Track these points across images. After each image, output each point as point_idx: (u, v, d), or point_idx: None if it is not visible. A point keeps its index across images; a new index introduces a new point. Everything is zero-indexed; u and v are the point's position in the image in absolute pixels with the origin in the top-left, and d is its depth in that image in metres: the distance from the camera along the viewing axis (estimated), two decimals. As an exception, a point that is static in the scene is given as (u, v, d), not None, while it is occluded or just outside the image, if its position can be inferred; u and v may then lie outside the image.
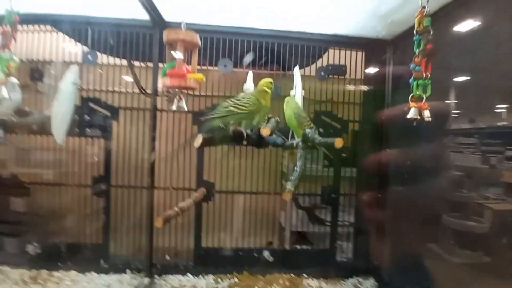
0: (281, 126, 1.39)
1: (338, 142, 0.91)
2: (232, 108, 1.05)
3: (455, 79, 1.42)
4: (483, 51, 1.29)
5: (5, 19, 0.89)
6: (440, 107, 1.26)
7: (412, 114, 1.06)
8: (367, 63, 1.81)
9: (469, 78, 1.38)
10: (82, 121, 1.61)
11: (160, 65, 1.51)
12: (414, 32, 1.11)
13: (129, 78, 1.67)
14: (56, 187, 1.64)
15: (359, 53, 1.78)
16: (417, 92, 1.06)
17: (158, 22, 1.52)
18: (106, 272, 1.63)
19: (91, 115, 1.62)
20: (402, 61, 1.65)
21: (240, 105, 1.06)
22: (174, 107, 1.00)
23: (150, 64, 1.59)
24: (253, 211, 1.76)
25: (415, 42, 1.11)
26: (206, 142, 0.89)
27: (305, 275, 1.72)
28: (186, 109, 1.01)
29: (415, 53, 1.09)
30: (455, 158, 1.48)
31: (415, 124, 1.08)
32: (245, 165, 1.71)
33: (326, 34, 1.71)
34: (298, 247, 1.89)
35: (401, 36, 1.65)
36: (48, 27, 1.62)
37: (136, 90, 1.66)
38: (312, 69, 1.76)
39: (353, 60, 1.77)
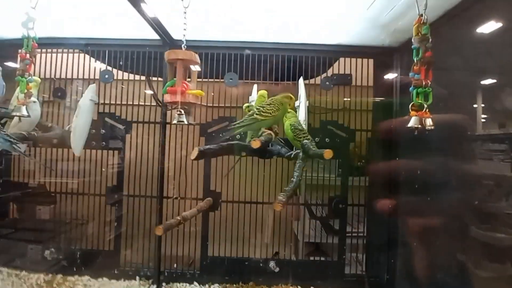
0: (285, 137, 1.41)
1: (327, 154, 0.92)
2: (257, 116, 1.07)
3: (482, 82, 1.37)
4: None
5: (24, 46, 1.00)
6: (452, 116, 1.22)
7: (413, 122, 1.04)
8: (376, 71, 1.80)
9: (498, 80, 1.33)
10: (98, 134, 1.72)
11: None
12: (412, 40, 1.11)
13: (145, 92, 1.78)
14: (74, 196, 1.75)
15: (367, 62, 1.77)
16: (418, 101, 1.05)
17: (167, 41, 1.62)
18: (117, 278, 1.69)
19: (107, 129, 1.73)
20: (409, 67, 1.63)
21: (264, 112, 1.08)
22: (174, 121, 1.06)
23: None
24: (259, 221, 1.76)
25: (414, 51, 1.10)
26: (202, 155, 0.93)
27: (312, 287, 1.69)
28: (186, 122, 1.06)
29: (414, 61, 1.09)
30: (483, 166, 1.42)
31: (416, 133, 1.06)
32: (254, 174, 1.72)
33: (331, 45, 1.73)
34: (306, 258, 1.86)
35: (407, 43, 1.63)
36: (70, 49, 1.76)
37: (148, 104, 1.77)
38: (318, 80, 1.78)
39: (359, 69, 1.77)
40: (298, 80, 1.65)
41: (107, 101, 1.75)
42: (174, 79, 1.04)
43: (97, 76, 1.74)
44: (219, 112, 1.74)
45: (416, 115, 1.06)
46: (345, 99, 1.78)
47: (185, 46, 1.07)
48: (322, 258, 1.80)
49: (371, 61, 1.78)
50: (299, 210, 1.90)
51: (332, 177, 1.78)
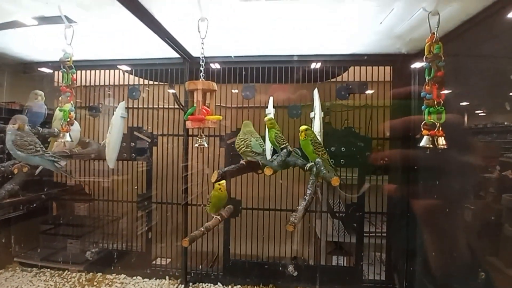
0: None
1: (335, 181, 0.96)
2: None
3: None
4: None
5: (63, 80, 1.14)
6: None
7: (424, 142, 1.05)
8: (394, 78, 1.79)
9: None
10: (128, 147, 1.88)
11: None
12: (424, 59, 1.11)
13: (165, 101, 1.92)
14: (110, 202, 1.94)
15: (384, 69, 1.77)
16: (430, 120, 1.05)
17: (187, 58, 1.72)
18: (149, 277, 1.87)
19: (135, 142, 1.88)
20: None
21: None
22: (196, 145, 1.16)
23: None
24: (277, 227, 1.84)
25: (426, 70, 1.10)
26: (222, 177, 1.03)
27: (330, 292, 1.75)
28: (206, 145, 1.16)
29: (426, 80, 1.09)
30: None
31: (428, 152, 1.07)
32: (272, 182, 1.81)
33: (347, 54, 1.74)
34: (326, 263, 1.92)
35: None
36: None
37: (171, 120, 1.90)
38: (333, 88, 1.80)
39: (376, 76, 1.77)
40: (313, 92, 1.69)
41: (135, 116, 1.90)
42: (194, 106, 1.14)
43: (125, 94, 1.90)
44: (237, 124, 1.83)
45: (427, 134, 1.07)
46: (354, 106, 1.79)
47: (203, 75, 1.16)
48: (340, 260, 1.85)
49: (388, 68, 1.77)
50: (316, 207, 1.95)
51: (350, 176, 1.80)
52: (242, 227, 1.83)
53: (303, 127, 1.37)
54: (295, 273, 1.77)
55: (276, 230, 1.82)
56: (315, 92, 1.67)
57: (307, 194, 1.10)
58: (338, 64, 1.76)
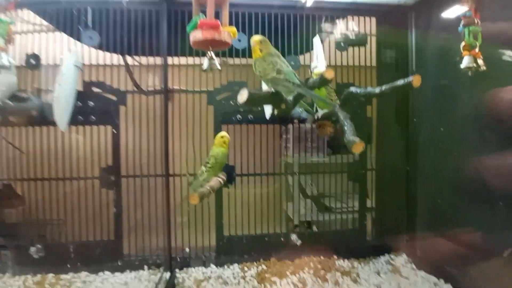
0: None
1: (417, 80, 0.78)
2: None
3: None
4: None
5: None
6: None
7: (466, 62, 0.99)
8: (383, 31, 1.72)
9: None
10: (86, 107, 1.46)
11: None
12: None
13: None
14: (60, 181, 1.49)
15: (372, 21, 1.69)
16: (470, 39, 1.00)
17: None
18: (121, 270, 1.48)
19: (95, 101, 1.48)
20: (427, 28, 1.56)
21: None
22: (205, 66, 0.89)
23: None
24: (277, 193, 1.65)
25: None
26: (251, 100, 0.78)
27: (335, 256, 1.63)
28: (219, 68, 0.90)
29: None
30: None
31: (470, 74, 1.01)
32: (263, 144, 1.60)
33: (337, 2, 1.62)
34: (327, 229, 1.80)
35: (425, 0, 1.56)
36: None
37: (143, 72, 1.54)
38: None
39: (368, 30, 1.69)
40: (313, 39, 1.54)
41: (93, 69, 1.49)
42: (199, 15, 0.87)
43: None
44: (227, 76, 1.57)
45: (469, 55, 1.01)
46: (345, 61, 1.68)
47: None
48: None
49: (374, 20, 1.70)
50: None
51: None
52: (237, 197, 1.59)
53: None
54: (299, 242, 1.60)
55: (276, 196, 1.63)
56: (316, 39, 1.52)
57: (347, 124, 0.91)
58: (325, 12, 1.61)
